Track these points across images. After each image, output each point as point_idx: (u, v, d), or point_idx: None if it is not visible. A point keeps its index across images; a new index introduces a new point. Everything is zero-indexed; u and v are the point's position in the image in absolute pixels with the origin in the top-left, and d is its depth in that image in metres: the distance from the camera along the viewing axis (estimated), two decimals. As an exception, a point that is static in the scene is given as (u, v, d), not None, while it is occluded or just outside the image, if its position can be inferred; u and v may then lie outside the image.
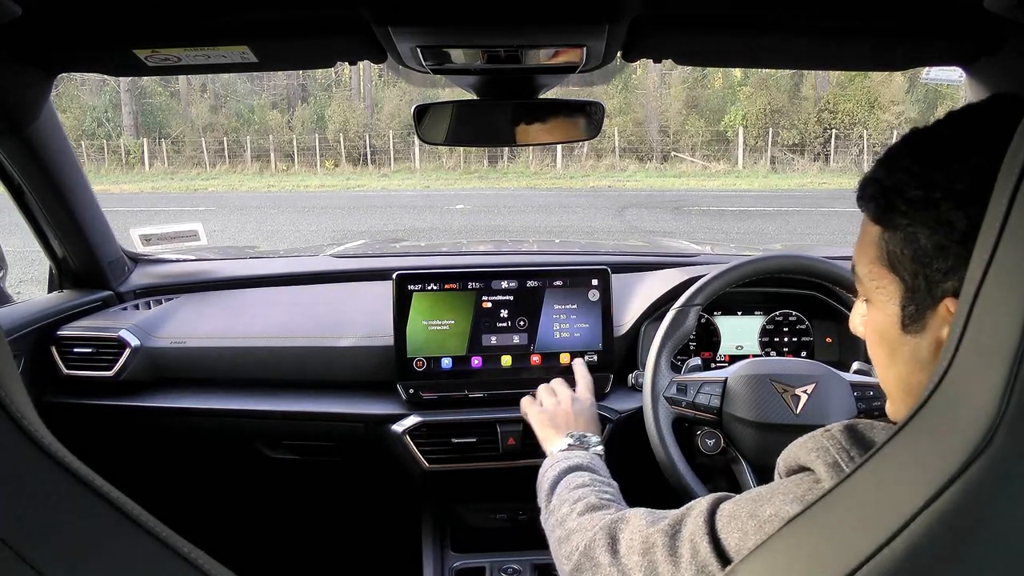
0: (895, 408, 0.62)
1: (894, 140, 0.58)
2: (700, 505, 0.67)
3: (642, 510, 0.77)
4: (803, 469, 0.60)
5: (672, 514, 0.71)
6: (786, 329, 1.53)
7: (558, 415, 1.13)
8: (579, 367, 1.27)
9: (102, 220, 1.50)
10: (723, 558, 0.61)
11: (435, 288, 1.36)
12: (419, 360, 1.35)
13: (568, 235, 9.75)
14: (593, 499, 0.88)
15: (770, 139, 19.25)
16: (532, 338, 1.38)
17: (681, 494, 1.10)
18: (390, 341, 1.36)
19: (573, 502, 0.88)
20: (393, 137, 20.65)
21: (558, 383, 1.22)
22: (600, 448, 1.06)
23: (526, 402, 1.21)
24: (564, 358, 1.38)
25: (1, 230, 2.59)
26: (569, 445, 1.06)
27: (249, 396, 1.41)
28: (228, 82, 23.50)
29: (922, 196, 0.52)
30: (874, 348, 0.62)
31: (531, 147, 1.40)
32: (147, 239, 1.67)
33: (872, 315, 0.61)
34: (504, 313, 1.37)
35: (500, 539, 1.42)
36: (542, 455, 1.34)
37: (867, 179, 0.58)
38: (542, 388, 1.22)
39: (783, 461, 0.64)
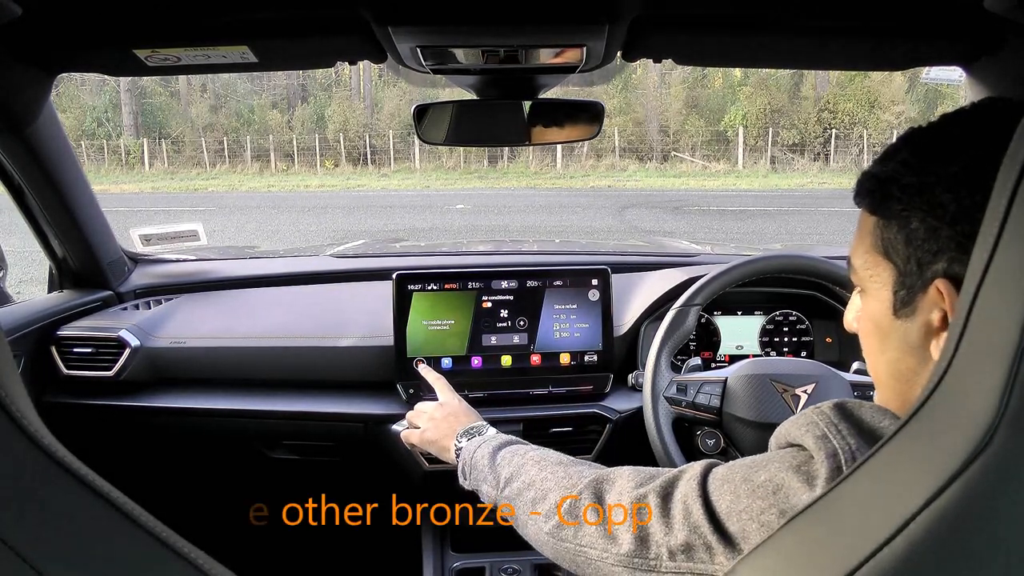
0: (884, 395, 0.63)
1: (894, 140, 0.60)
2: (693, 469, 0.67)
3: (628, 469, 0.75)
4: (792, 445, 0.61)
5: (663, 475, 0.70)
6: (786, 329, 1.53)
7: (439, 427, 1.07)
8: (424, 371, 1.22)
9: (102, 220, 1.50)
10: (714, 520, 0.61)
11: (435, 288, 1.36)
12: (419, 360, 1.35)
13: (568, 235, 9.75)
14: (563, 457, 0.85)
15: (770, 139, 19.26)
16: (532, 338, 1.38)
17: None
18: (390, 341, 1.36)
19: (537, 461, 0.84)
20: (393, 137, 20.66)
21: (419, 404, 1.16)
22: (495, 430, 1.02)
23: (404, 434, 1.15)
24: (564, 358, 1.38)
25: (1, 230, 2.59)
26: (467, 436, 1.01)
27: (249, 396, 1.41)
28: (228, 82, 23.50)
29: (916, 182, 0.54)
30: (866, 338, 0.63)
31: (531, 147, 1.40)
32: (147, 239, 1.67)
33: (866, 305, 0.62)
34: (504, 313, 1.37)
35: (500, 539, 1.42)
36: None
37: (864, 175, 0.60)
38: (409, 416, 1.16)
39: (774, 439, 0.65)
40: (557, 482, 0.79)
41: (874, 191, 0.58)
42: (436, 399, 1.15)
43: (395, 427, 1.32)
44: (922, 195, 0.53)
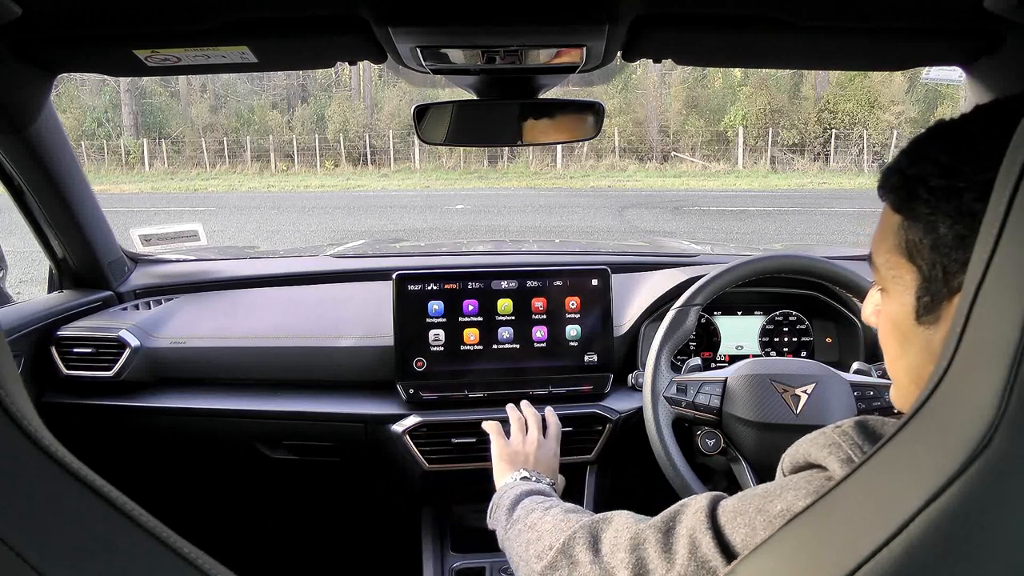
0: (901, 396, 0.61)
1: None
2: (697, 503, 0.65)
3: (626, 512, 0.74)
4: (812, 466, 0.59)
5: (662, 513, 0.68)
6: (786, 329, 1.53)
7: (519, 454, 1.10)
8: (551, 415, 1.21)
9: (102, 220, 1.50)
10: (728, 554, 0.59)
11: (435, 288, 1.36)
12: (419, 360, 1.35)
13: (568, 235, 9.75)
14: (567, 505, 0.87)
15: (770, 139, 19.26)
16: (532, 338, 1.37)
17: (681, 494, 1.09)
18: (390, 341, 1.36)
19: (544, 509, 0.86)
20: (393, 137, 20.67)
21: (533, 422, 1.17)
22: (551, 488, 1.04)
23: (494, 430, 1.17)
24: (564, 358, 1.38)
25: (1, 230, 2.59)
26: (523, 478, 1.04)
27: (249, 396, 1.41)
28: (228, 82, 23.51)
29: (945, 185, 0.51)
30: (886, 338, 0.61)
31: (531, 147, 1.40)
32: (147, 239, 1.67)
33: (886, 305, 0.60)
34: (504, 313, 1.37)
35: (500, 539, 1.42)
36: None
37: (890, 168, 0.57)
38: (516, 420, 1.18)
39: (789, 458, 0.62)
40: (555, 525, 0.79)
41: (899, 188, 0.55)
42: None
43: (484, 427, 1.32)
44: (951, 200, 0.50)
